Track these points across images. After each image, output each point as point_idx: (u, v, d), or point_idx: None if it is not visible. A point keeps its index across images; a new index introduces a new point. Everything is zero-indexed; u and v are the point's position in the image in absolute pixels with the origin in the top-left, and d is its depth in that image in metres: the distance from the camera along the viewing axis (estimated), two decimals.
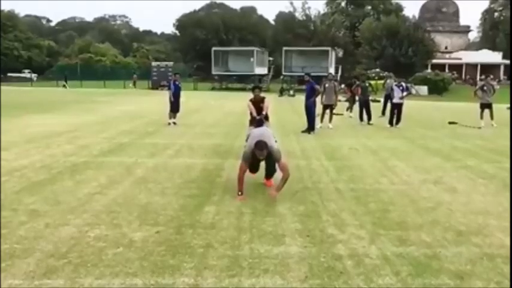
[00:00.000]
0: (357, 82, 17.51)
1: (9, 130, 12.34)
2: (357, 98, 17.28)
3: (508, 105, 19.26)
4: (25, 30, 69.48)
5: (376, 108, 16.88)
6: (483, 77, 50.01)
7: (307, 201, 5.94)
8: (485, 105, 15.67)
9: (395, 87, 15.05)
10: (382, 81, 36.64)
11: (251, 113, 8.92)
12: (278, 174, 6.23)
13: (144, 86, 45.40)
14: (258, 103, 8.80)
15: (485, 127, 14.72)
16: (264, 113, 8.57)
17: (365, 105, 15.74)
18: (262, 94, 9.48)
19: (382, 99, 18.87)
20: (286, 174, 5.89)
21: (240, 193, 5.89)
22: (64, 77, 47.66)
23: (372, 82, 22.35)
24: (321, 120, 14.25)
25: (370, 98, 16.38)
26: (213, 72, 46.05)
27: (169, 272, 3.81)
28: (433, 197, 6.27)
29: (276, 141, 6.27)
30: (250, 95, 9.55)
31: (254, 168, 6.58)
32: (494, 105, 15.86)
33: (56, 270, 3.80)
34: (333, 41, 55.10)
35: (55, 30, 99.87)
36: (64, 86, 45.49)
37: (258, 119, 8.09)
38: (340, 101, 16.17)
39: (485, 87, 16.09)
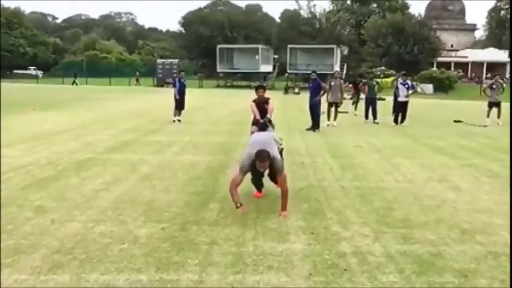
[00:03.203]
0: (363, 80, 17.44)
1: (15, 127, 12.42)
2: (362, 96, 17.20)
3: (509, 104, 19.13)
4: (31, 27, 69.68)
5: (383, 106, 16.78)
6: (489, 75, 49.87)
7: (312, 198, 5.95)
8: (494, 104, 15.60)
9: (400, 86, 15.00)
10: (388, 79, 36.60)
11: (254, 116, 8.03)
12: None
13: (149, 83, 45.49)
14: (261, 104, 7.91)
15: (491, 125, 14.66)
16: (268, 115, 7.77)
17: (371, 104, 15.67)
18: (267, 92, 9.01)
19: (392, 97, 18.67)
20: (285, 189, 5.27)
21: (238, 205, 5.14)
22: (74, 74, 47.88)
23: (378, 80, 22.24)
24: (328, 118, 14.24)
25: (377, 96, 16.23)
26: (218, 70, 46.11)
27: (174, 268, 3.82)
28: (438, 195, 6.25)
29: (280, 145, 5.91)
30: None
31: (259, 185, 5.99)
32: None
33: (61, 266, 3.83)
34: (338, 39, 55.02)
35: (61, 27, 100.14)
36: (75, 83, 45.75)
37: (262, 123, 7.32)
38: (345, 99, 16.14)
39: (494, 86, 16.01)
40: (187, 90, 15.53)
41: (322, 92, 13.12)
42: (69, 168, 7.55)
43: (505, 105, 16.30)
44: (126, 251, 4.15)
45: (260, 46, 46.86)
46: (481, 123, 14.87)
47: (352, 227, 4.90)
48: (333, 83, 14.39)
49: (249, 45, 51.67)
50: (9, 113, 15.17)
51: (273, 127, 7.66)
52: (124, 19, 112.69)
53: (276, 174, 5.43)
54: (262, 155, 5.05)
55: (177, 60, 50.81)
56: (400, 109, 14.85)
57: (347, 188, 6.51)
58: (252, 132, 7.14)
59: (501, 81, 17.43)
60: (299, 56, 45.18)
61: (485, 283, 3.67)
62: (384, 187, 6.63)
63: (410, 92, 15.03)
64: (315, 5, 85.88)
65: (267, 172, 5.65)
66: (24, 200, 5.67)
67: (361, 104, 17.03)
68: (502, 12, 65.39)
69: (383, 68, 44.25)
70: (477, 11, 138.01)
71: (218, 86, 44.75)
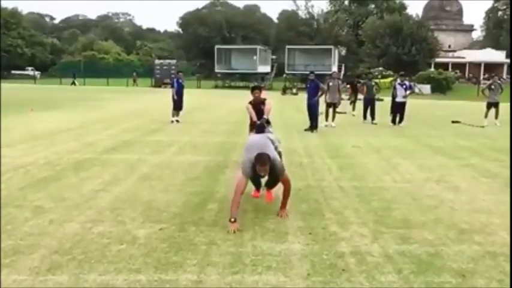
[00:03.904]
0: (361, 81, 17.42)
1: (15, 127, 12.41)
2: (361, 96, 17.20)
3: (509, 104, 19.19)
4: (28, 28, 69.54)
5: (381, 107, 16.78)
6: (486, 76, 49.95)
7: (310, 199, 5.95)
8: (492, 104, 15.65)
9: (398, 86, 15.01)
10: (385, 80, 36.67)
11: (251, 118, 7.87)
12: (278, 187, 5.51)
13: (147, 83, 45.46)
14: (258, 105, 7.74)
15: (489, 126, 14.70)
16: (265, 116, 7.55)
17: (370, 104, 15.66)
18: (265, 93, 8.98)
19: (390, 98, 18.66)
20: (288, 187, 5.20)
21: (232, 219, 4.74)
22: (73, 74, 48.07)
23: (376, 80, 22.28)
24: (326, 119, 14.25)
25: (376, 97, 16.20)
26: (216, 70, 46.16)
27: (172, 269, 3.83)
28: (436, 195, 6.27)
29: (279, 142, 5.80)
30: None
31: (258, 183, 5.84)
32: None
33: (60, 266, 3.83)
34: (336, 40, 55.07)
35: (58, 27, 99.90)
36: (74, 83, 45.95)
37: (259, 124, 7.18)
38: (343, 99, 16.15)
39: (492, 86, 16.06)
40: (185, 91, 15.55)
41: (320, 93, 13.14)
42: (68, 168, 7.54)
43: (503, 106, 16.34)
44: (124, 251, 4.15)
45: (258, 47, 46.92)
46: (478, 124, 14.91)
47: (350, 227, 4.90)
48: (331, 84, 14.42)
49: (247, 46, 51.76)
50: (7, 113, 15.14)
51: (271, 127, 7.63)
52: (122, 19, 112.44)
53: (277, 176, 5.18)
54: (262, 159, 4.83)
55: (175, 60, 50.85)
56: (398, 110, 14.87)
57: (345, 188, 6.52)
58: None
59: (499, 81, 17.46)
60: (297, 56, 45.24)
61: (483, 283, 3.68)
62: (382, 187, 6.64)
63: (408, 92, 15.05)
64: (312, 6, 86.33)
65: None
66: (23, 200, 5.66)
67: (359, 105, 17.04)
68: (500, 12, 65.74)
69: (381, 68, 44.33)
70: (474, 12, 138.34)
71: (216, 87, 44.76)
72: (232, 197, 4.94)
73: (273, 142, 5.54)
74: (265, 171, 4.91)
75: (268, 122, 7.65)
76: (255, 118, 7.62)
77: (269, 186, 5.68)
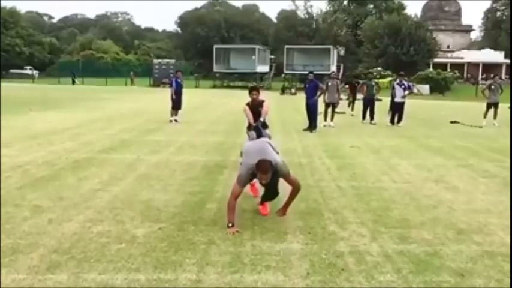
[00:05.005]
0: (360, 81, 17.43)
1: (13, 126, 12.38)
2: (360, 96, 17.20)
3: (509, 105, 19.21)
4: (27, 27, 69.56)
5: (380, 107, 16.77)
6: (484, 76, 50.01)
7: (309, 198, 5.95)
8: (492, 104, 15.68)
9: (397, 86, 15.02)
10: (384, 80, 36.70)
11: (249, 120, 7.69)
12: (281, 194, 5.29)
13: (145, 83, 45.42)
14: (256, 107, 7.57)
15: (487, 126, 14.72)
16: (262, 119, 7.47)
17: (369, 104, 15.65)
18: (263, 93, 8.87)
19: (388, 98, 18.63)
20: (297, 187, 5.01)
21: (230, 224, 4.66)
22: (72, 73, 48.24)
23: (375, 80, 22.29)
24: (325, 119, 14.26)
25: (375, 97, 16.17)
26: (215, 70, 46.20)
27: (171, 268, 3.83)
28: (435, 195, 6.28)
29: (277, 144, 5.59)
30: None
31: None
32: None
33: (59, 266, 3.83)
34: (334, 40, 55.18)
35: (57, 27, 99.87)
36: (74, 82, 46.21)
37: (255, 127, 7.21)
38: (341, 99, 16.16)
39: (492, 87, 16.08)
40: (184, 91, 15.54)
41: (319, 93, 13.15)
42: (66, 167, 7.53)
43: (502, 106, 16.35)
44: (123, 251, 4.15)
45: (257, 46, 46.93)
46: (477, 124, 14.93)
47: (349, 226, 4.91)
48: (329, 84, 14.44)
49: (245, 46, 51.76)
50: (6, 112, 15.11)
51: (268, 128, 7.60)
52: (120, 19, 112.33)
53: (276, 185, 5.06)
54: (264, 166, 4.59)
55: (173, 60, 50.91)
56: (396, 110, 14.89)
57: (344, 188, 6.52)
58: (250, 137, 7.00)
59: (499, 82, 17.45)
60: (296, 56, 45.27)
61: (481, 283, 3.69)
62: (381, 187, 6.65)
63: (406, 92, 15.07)
64: (311, 6, 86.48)
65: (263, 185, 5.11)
66: (21, 199, 5.65)
67: (358, 105, 17.05)
68: (498, 13, 65.85)
69: (379, 68, 44.36)
70: (473, 12, 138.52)
71: (215, 87, 44.78)
72: (228, 206, 4.81)
73: (271, 145, 5.34)
74: (266, 179, 4.69)
75: (265, 125, 7.63)
76: (251, 120, 7.52)
77: (266, 199, 5.31)
